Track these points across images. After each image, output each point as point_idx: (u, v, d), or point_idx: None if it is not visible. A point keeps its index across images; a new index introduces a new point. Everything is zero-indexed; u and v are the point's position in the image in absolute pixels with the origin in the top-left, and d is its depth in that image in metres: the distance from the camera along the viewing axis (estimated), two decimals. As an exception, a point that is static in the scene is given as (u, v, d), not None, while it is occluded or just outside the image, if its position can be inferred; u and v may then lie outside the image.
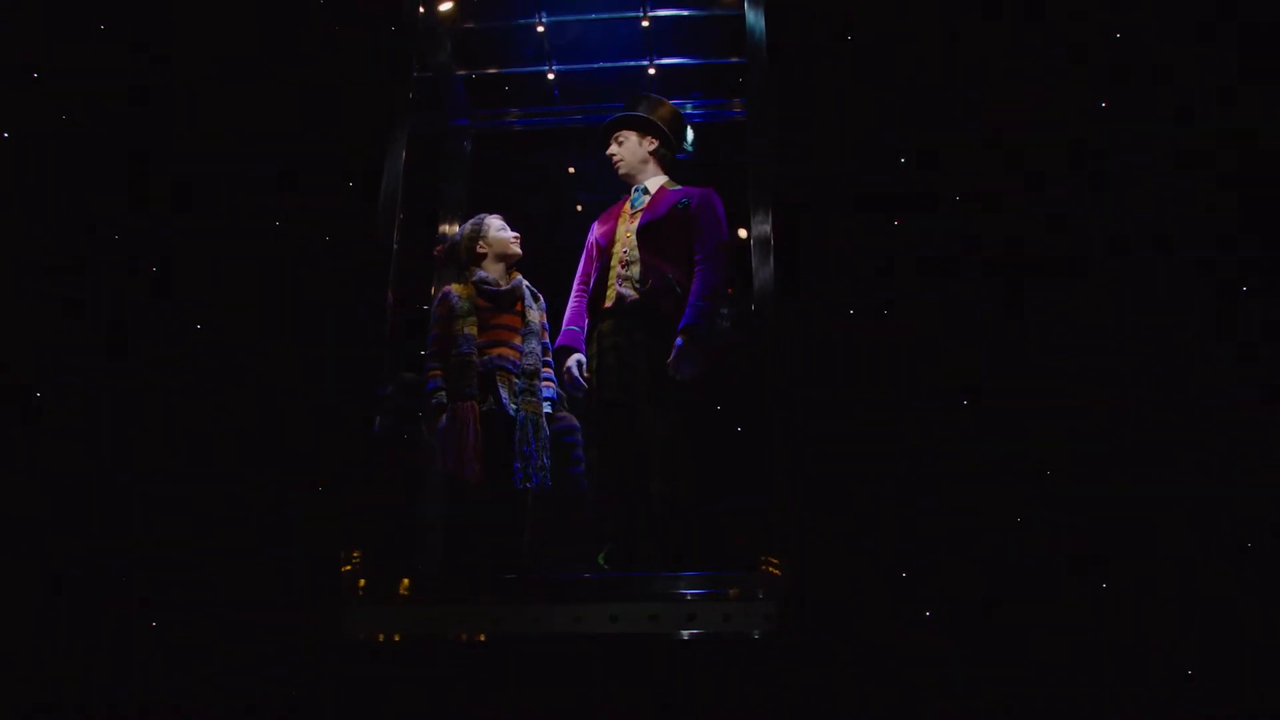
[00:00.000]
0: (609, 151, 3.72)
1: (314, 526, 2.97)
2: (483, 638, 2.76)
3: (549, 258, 3.95)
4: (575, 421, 3.66)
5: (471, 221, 3.65)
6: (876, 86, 3.26)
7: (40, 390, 3.17)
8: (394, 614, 2.85)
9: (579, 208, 4.37)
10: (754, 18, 3.39)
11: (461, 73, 4.33)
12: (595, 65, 4.26)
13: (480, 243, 3.58)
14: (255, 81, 3.52)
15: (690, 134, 3.85)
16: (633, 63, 4.24)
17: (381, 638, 2.81)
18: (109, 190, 3.38)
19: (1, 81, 3.48)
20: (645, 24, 4.06)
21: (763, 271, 3.05)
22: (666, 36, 4.18)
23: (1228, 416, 2.80)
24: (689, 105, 4.28)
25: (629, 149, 3.70)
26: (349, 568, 2.89)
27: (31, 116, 3.45)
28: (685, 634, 2.68)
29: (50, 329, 3.23)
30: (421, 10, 3.72)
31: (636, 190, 3.69)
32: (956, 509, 2.83)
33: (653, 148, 3.71)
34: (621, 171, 3.71)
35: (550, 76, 4.30)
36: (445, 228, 4.20)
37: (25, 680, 2.86)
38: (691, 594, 2.74)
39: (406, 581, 2.98)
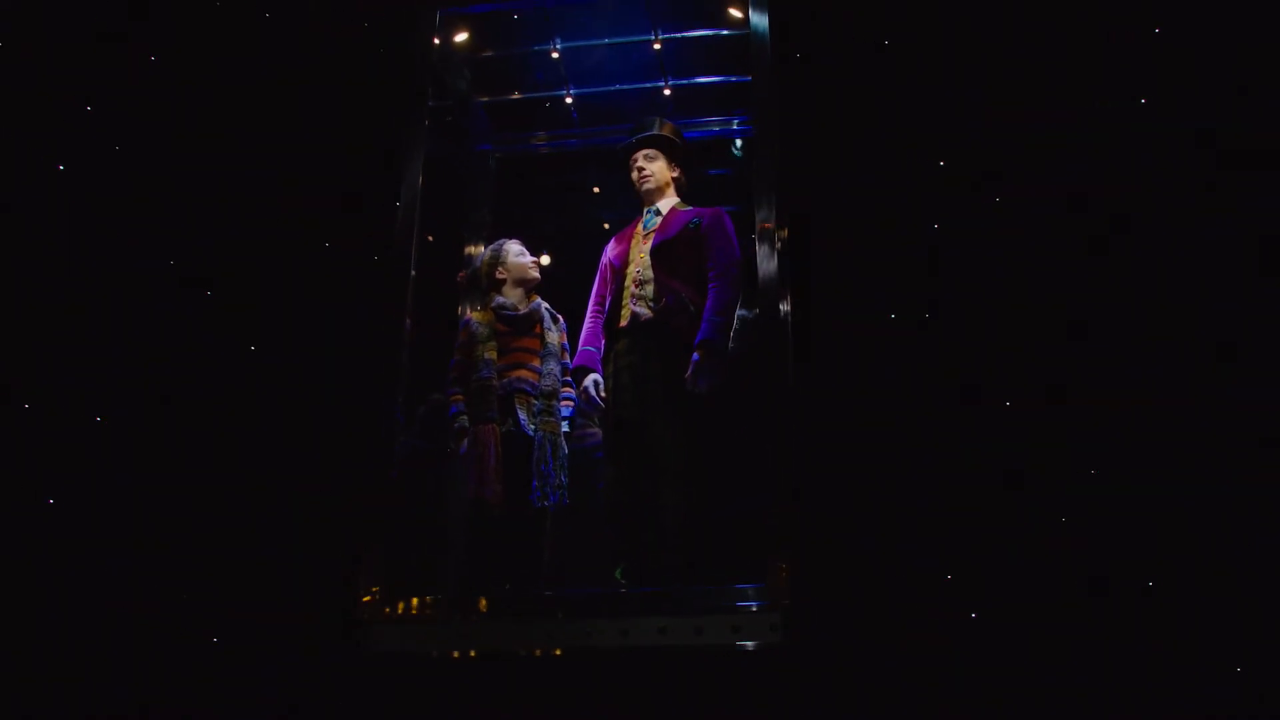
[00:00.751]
0: (639, 165, 3.77)
1: (332, 539, 3.06)
2: (500, 653, 2.84)
3: (575, 276, 4.04)
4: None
5: (490, 247, 3.74)
6: (882, 89, 3.28)
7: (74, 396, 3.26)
8: (414, 630, 2.95)
9: (605, 225, 4.43)
10: (757, 20, 3.44)
11: (483, 99, 4.45)
12: (612, 88, 4.34)
13: (499, 268, 3.67)
14: (271, 101, 3.61)
15: (740, 142, 3.94)
16: (649, 84, 4.31)
17: (404, 653, 2.91)
18: (135, 196, 3.48)
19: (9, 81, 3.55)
20: (657, 46, 4.14)
21: (768, 276, 3.11)
22: (685, 58, 4.24)
23: (1238, 418, 2.77)
24: (735, 122, 4.37)
25: (660, 168, 3.76)
26: (373, 593, 3.00)
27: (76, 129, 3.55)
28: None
29: (69, 334, 3.33)
30: (437, 41, 3.83)
31: (649, 211, 3.76)
32: (968, 512, 2.83)
33: (675, 174, 3.79)
34: (647, 187, 3.75)
35: (569, 100, 4.40)
36: (470, 250, 4.30)
37: (26, 680, 2.92)
38: (700, 606, 2.80)
39: (427, 599, 3.07)
